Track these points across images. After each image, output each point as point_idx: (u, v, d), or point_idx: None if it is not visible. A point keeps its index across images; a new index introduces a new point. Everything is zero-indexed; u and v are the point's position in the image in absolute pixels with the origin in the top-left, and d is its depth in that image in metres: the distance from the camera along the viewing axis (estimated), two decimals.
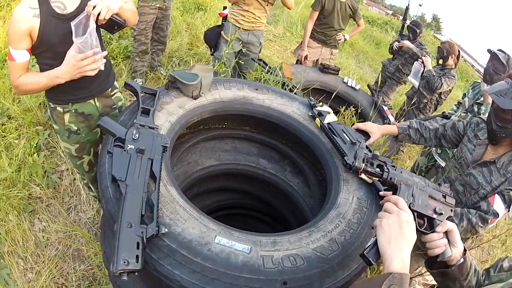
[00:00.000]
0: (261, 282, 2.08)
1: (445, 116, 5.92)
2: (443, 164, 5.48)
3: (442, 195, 2.34)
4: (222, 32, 6.48)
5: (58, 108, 3.56)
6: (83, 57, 2.98)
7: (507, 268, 2.03)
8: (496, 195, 3.35)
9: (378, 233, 1.84)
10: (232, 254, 2.16)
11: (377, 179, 2.41)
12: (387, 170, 2.33)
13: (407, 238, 1.74)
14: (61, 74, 3.05)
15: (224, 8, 6.54)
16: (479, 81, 5.79)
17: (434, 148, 5.75)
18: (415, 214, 2.21)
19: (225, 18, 6.50)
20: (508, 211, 3.32)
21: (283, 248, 2.32)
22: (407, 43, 8.65)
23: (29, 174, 5.09)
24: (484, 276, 2.16)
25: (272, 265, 2.18)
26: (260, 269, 2.13)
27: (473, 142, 3.78)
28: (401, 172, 2.32)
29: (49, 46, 3.13)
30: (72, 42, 2.98)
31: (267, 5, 6.34)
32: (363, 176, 2.69)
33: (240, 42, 6.51)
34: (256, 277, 2.08)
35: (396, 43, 9.06)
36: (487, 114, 4.68)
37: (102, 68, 3.22)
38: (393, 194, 2.29)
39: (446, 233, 2.08)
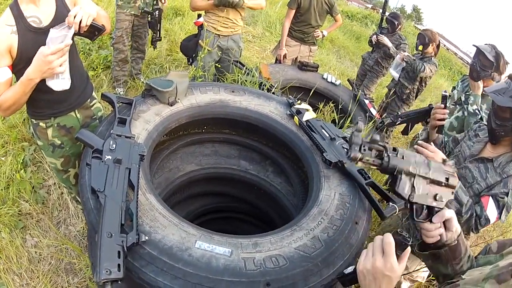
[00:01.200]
0: (243, 285, 2.09)
1: (432, 108, 5.93)
2: None
3: (445, 177, 2.17)
4: (200, 41, 6.38)
5: (41, 124, 3.56)
6: (52, 51, 2.88)
7: (496, 250, 2.04)
8: (491, 198, 3.34)
9: (358, 274, 1.84)
10: (213, 258, 2.17)
11: (375, 167, 2.25)
12: (387, 158, 2.16)
13: (388, 285, 1.74)
14: (31, 72, 2.95)
15: (199, 16, 6.42)
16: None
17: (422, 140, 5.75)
18: (414, 205, 2.11)
19: (201, 26, 6.39)
20: (500, 217, 3.33)
21: (264, 249, 2.33)
22: (385, 40, 8.63)
23: (18, 190, 5.07)
24: (475, 262, 2.17)
25: (254, 266, 2.19)
26: (242, 272, 2.14)
27: (472, 140, 3.80)
28: (402, 157, 2.14)
29: (28, 61, 3.05)
30: None
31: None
32: (359, 164, 2.50)
33: (220, 49, 6.47)
34: (238, 280, 2.09)
35: (375, 36, 9.07)
36: (474, 106, 4.73)
37: (65, 70, 3.14)
38: (392, 182, 2.17)
39: (444, 222, 2.08)
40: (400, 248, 1.75)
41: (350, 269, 2.06)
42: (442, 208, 2.10)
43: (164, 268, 2.07)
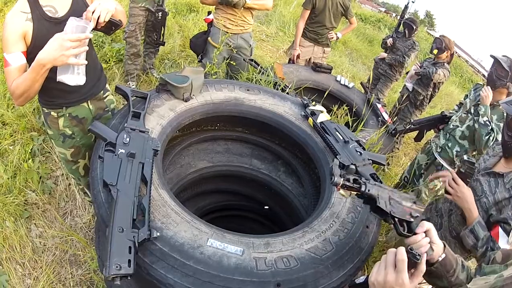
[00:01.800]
0: (254, 284, 2.08)
1: (444, 116, 5.91)
2: (442, 162, 5.47)
3: (412, 201, 2.36)
4: (209, 39, 6.32)
5: (52, 113, 3.54)
6: (71, 38, 2.79)
7: (500, 260, 2.03)
8: (500, 228, 3.27)
9: (370, 285, 1.82)
10: (224, 257, 2.16)
11: (355, 193, 2.38)
12: (364, 184, 2.28)
13: None
14: (43, 57, 2.80)
15: (209, 13, 6.35)
16: (481, 83, 5.77)
17: (434, 146, 5.74)
18: (396, 219, 2.23)
19: (210, 23, 6.31)
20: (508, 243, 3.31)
21: (276, 250, 2.32)
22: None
23: (25, 180, 5.07)
24: (475, 271, 2.16)
25: (265, 266, 2.18)
26: (253, 271, 2.13)
27: (489, 154, 3.80)
28: (374, 184, 2.30)
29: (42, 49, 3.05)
30: None
31: None
32: (341, 191, 2.65)
33: (229, 47, 6.36)
34: (249, 279, 2.08)
35: (390, 39, 9.04)
36: (485, 117, 4.71)
37: (83, 66, 3.11)
38: (371, 205, 2.30)
39: (425, 232, 2.08)
40: (410, 265, 1.74)
41: (361, 279, 2.07)
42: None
43: (175, 265, 2.06)
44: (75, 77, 3.10)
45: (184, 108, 3.27)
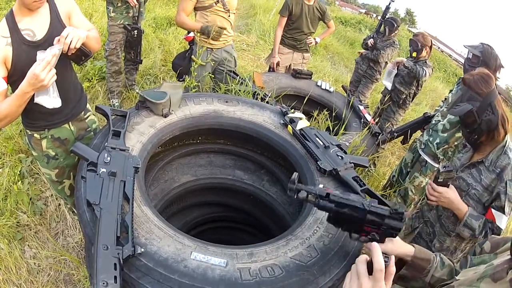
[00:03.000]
0: None
1: (427, 117, 5.96)
2: (426, 158, 5.52)
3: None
4: (193, 57, 6.19)
5: (35, 135, 3.59)
6: (42, 67, 2.90)
7: (489, 250, 2.05)
8: (492, 209, 3.41)
9: None
10: (208, 269, 2.18)
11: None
12: (317, 198, 2.30)
13: None
14: (25, 86, 2.97)
15: (189, 32, 6.27)
16: None
17: (418, 143, 5.77)
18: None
19: (191, 41, 6.28)
20: (509, 215, 3.39)
21: (260, 259, 2.34)
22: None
23: (15, 202, 5.08)
24: (460, 264, 2.18)
25: (249, 277, 2.20)
26: (238, 282, 2.15)
27: (461, 152, 3.90)
28: (340, 197, 2.34)
29: (23, 74, 3.07)
30: None
31: (229, 15, 6.17)
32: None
33: (214, 62, 6.33)
34: None
35: (371, 40, 9.07)
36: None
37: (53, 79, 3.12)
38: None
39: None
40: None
41: None
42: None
43: (160, 280, 2.08)
44: (51, 100, 3.20)
45: (163, 124, 3.30)
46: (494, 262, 1.83)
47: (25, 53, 3.12)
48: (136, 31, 7.11)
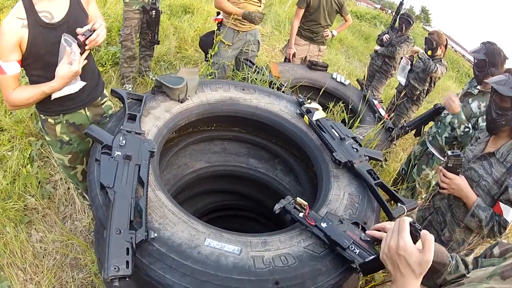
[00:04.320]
0: (252, 283, 2.08)
1: (438, 108, 5.93)
2: (433, 151, 5.51)
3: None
4: (221, 37, 6.39)
5: (49, 120, 3.55)
6: (78, 64, 3.03)
7: (498, 255, 2.02)
8: (499, 202, 3.43)
9: (383, 261, 1.80)
10: (222, 256, 2.17)
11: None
12: (301, 217, 2.49)
13: (405, 266, 1.69)
14: (59, 85, 3.11)
15: (218, 13, 6.58)
16: None
17: (427, 135, 5.76)
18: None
19: (220, 23, 6.56)
20: None
21: (274, 248, 2.32)
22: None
23: (24, 185, 5.08)
24: (473, 266, 2.16)
25: (263, 265, 2.18)
26: (251, 270, 2.13)
27: (474, 144, 3.92)
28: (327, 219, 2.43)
29: (38, 57, 3.11)
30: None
31: (260, 5, 6.47)
32: None
33: (239, 44, 6.62)
34: (247, 278, 2.08)
35: (387, 35, 9.05)
36: (462, 127, 4.76)
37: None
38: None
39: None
40: (414, 239, 1.72)
41: (372, 257, 2.05)
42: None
43: (172, 266, 2.06)
44: (76, 85, 3.30)
45: (179, 109, 3.28)
46: (503, 264, 1.81)
47: (41, 35, 3.07)
48: (154, 11, 7.11)
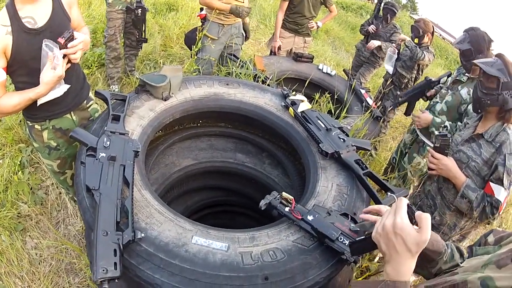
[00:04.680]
0: (241, 279, 2.07)
1: (429, 81, 5.95)
2: (423, 139, 5.53)
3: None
4: (205, 32, 6.48)
5: (36, 126, 3.54)
6: (62, 68, 3.01)
7: (493, 242, 2.02)
8: (490, 183, 3.49)
9: (375, 241, 1.77)
10: (210, 254, 2.16)
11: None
12: (287, 212, 2.49)
13: (401, 245, 1.68)
14: (44, 90, 3.08)
15: (201, 9, 6.58)
16: None
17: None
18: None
19: (204, 18, 6.57)
20: (508, 190, 3.45)
21: (262, 243, 2.32)
22: (375, 43, 8.64)
23: (16, 192, 5.07)
24: (468, 254, 2.15)
25: (251, 261, 2.18)
26: (239, 266, 2.13)
27: (462, 129, 4.00)
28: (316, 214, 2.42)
29: (22, 63, 3.10)
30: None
31: (243, 1, 6.46)
32: None
33: (224, 39, 6.68)
34: (235, 275, 2.08)
35: (373, 26, 9.01)
36: (436, 132, 4.79)
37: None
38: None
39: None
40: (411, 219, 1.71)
41: (362, 237, 2.02)
42: None
43: (161, 265, 2.06)
44: (60, 89, 3.26)
45: (163, 107, 3.27)
46: (498, 252, 1.80)
47: (25, 41, 3.06)
48: (140, 9, 7.09)
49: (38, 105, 3.24)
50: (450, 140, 3.68)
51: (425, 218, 1.59)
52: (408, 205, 1.64)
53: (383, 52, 8.93)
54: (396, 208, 1.64)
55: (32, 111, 3.41)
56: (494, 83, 3.41)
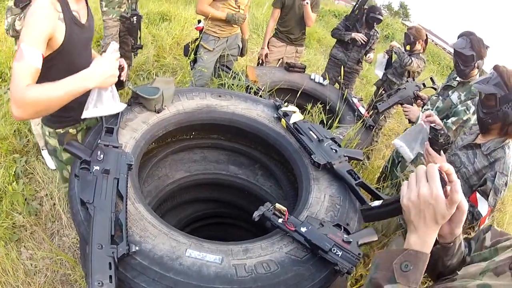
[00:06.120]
0: None
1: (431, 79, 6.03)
2: None
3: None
4: (202, 44, 6.57)
5: (71, 130, 3.36)
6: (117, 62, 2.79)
7: (490, 245, 2.02)
8: (477, 193, 3.50)
9: (404, 208, 1.67)
10: (204, 266, 2.17)
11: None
12: (279, 223, 2.51)
13: (431, 216, 1.65)
14: (92, 76, 2.63)
15: (199, 21, 6.62)
16: None
17: None
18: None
19: (201, 31, 6.61)
20: (493, 206, 3.49)
21: (255, 255, 2.33)
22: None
23: (11, 203, 5.08)
24: (466, 248, 2.15)
25: (245, 273, 2.19)
26: (233, 279, 2.14)
27: (466, 133, 4.04)
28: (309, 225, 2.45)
29: (68, 57, 2.89)
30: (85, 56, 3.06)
31: (239, 11, 6.50)
32: None
33: (219, 50, 6.75)
34: (229, 287, 2.09)
35: (360, 35, 8.75)
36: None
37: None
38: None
39: None
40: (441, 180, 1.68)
41: (376, 203, 2.01)
42: None
43: (155, 278, 2.07)
44: (116, 104, 3.01)
45: (156, 119, 3.28)
46: (496, 259, 1.81)
47: (75, 33, 2.90)
48: (135, 17, 7.10)
49: (81, 116, 2.84)
50: (446, 137, 3.72)
51: (457, 189, 1.58)
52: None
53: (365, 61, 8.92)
54: (429, 176, 1.61)
55: (66, 113, 3.11)
56: (492, 100, 3.42)
